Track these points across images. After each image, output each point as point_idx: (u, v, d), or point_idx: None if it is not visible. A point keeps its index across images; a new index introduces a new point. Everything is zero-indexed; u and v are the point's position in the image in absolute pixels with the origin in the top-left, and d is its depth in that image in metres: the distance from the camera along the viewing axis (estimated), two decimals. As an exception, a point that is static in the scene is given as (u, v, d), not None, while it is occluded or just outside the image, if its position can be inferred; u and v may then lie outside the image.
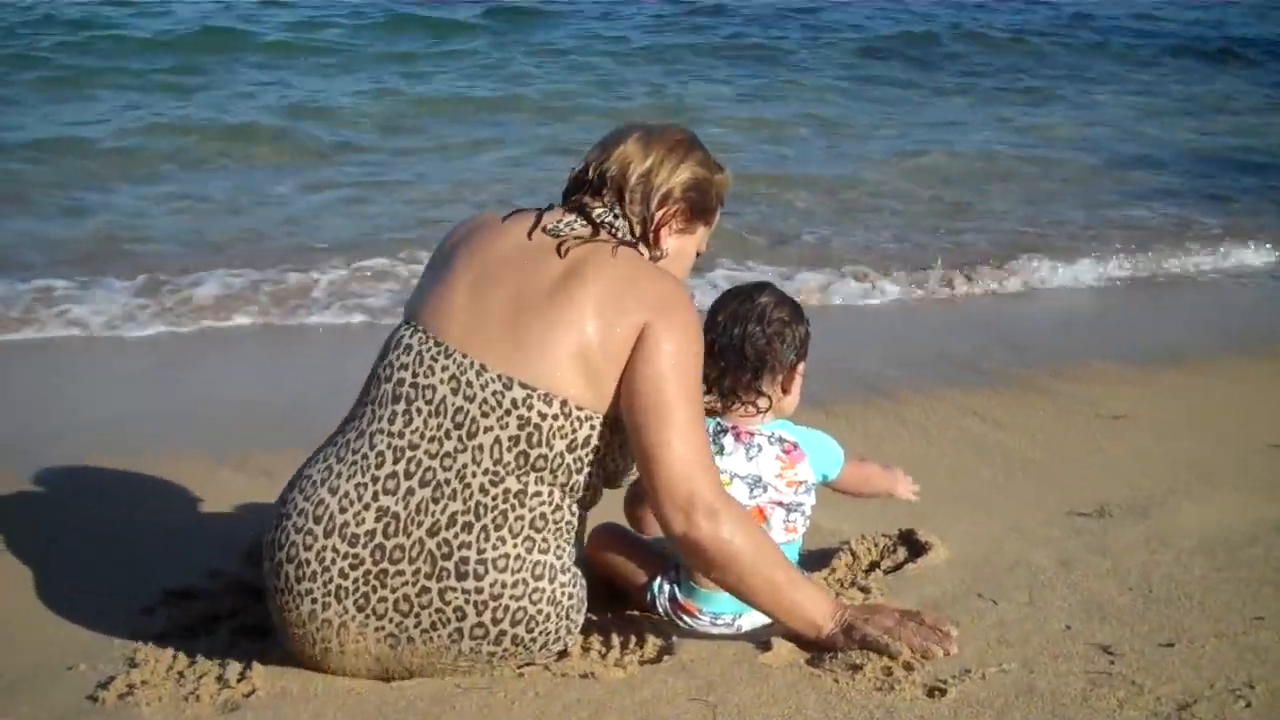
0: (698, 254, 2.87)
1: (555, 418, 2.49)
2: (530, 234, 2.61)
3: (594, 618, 2.82)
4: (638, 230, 2.69)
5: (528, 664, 2.59)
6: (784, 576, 2.59)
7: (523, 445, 2.48)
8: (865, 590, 3.00)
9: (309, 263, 6.78)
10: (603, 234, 2.62)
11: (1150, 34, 17.49)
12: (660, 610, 2.88)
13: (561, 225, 2.62)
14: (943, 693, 2.38)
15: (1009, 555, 3.24)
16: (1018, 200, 8.89)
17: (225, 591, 3.13)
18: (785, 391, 2.90)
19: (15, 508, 3.76)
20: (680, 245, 2.79)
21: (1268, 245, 7.82)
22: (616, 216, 2.66)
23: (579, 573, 2.62)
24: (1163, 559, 3.17)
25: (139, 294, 6.25)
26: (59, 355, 5.58)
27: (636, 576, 2.93)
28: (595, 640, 2.74)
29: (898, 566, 3.20)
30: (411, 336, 2.59)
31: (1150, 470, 3.99)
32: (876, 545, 3.33)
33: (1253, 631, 2.67)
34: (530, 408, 2.48)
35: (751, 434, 2.86)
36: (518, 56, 13.76)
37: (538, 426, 2.48)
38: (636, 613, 2.92)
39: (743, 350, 2.82)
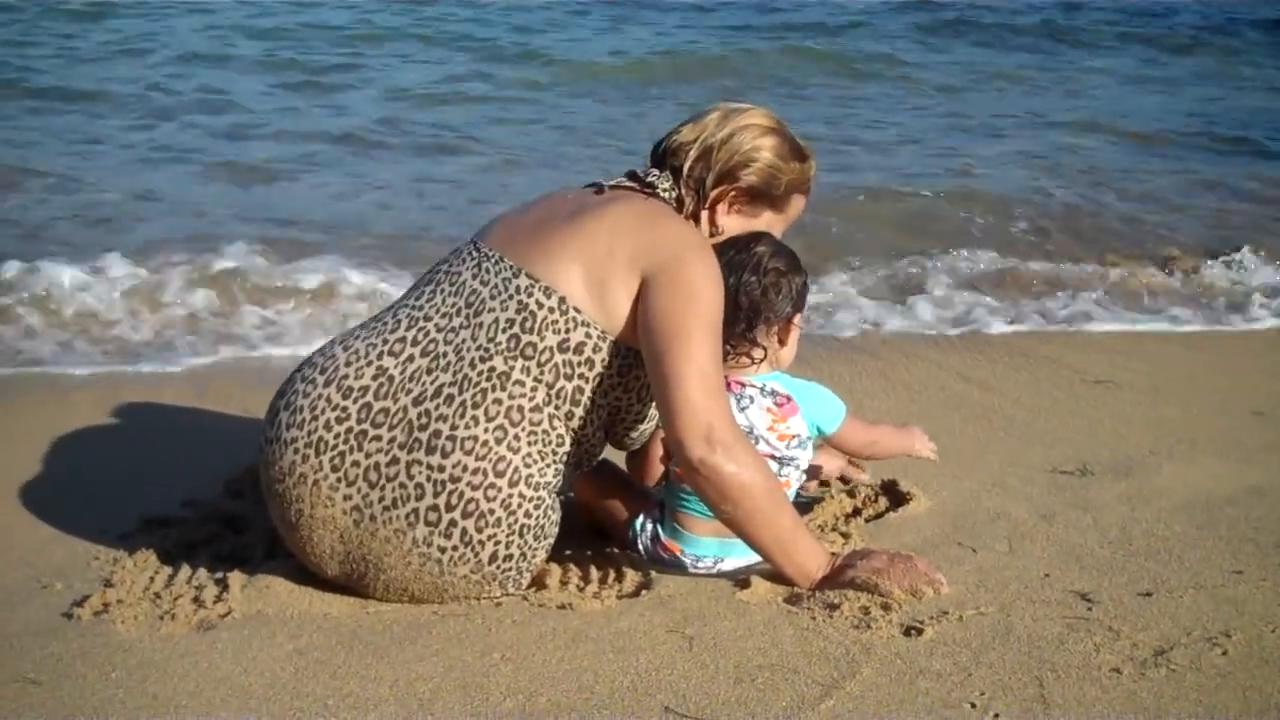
0: None
1: (551, 310, 2.56)
2: (585, 188, 2.80)
3: (571, 553, 2.82)
4: (690, 204, 2.76)
5: (479, 581, 2.56)
6: (789, 521, 2.60)
7: (515, 329, 2.56)
8: (846, 536, 2.99)
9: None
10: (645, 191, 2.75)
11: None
12: (641, 549, 2.86)
13: (612, 182, 2.78)
14: (919, 632, 2.38)
15: (990, 508, 3.24)
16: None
17: (203, 521, 3.13)
18: (781, 343, 2.87)
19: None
20: (740, 226, 2.83)
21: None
22: (669, 185, 2.74)
23: (550, 504, 2.62)
24: (1143, 515, 3.17)
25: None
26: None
27: (619, 513, 2.92)
28: (573, 573, 2.74)
29: (879, 515, 3.20)
30: (463, 247, 2.77)
31: (1132, 433, 3.99)
32: (858, 494, 3.32)
33: (1231, 585, 2.67)
34: (530, 295, 2.58)
35: (743, 384, 2.82)
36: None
37: (532, 314, 2.56)
38: (616, 550, 2.92)
39: (737, 299, 2.77)
